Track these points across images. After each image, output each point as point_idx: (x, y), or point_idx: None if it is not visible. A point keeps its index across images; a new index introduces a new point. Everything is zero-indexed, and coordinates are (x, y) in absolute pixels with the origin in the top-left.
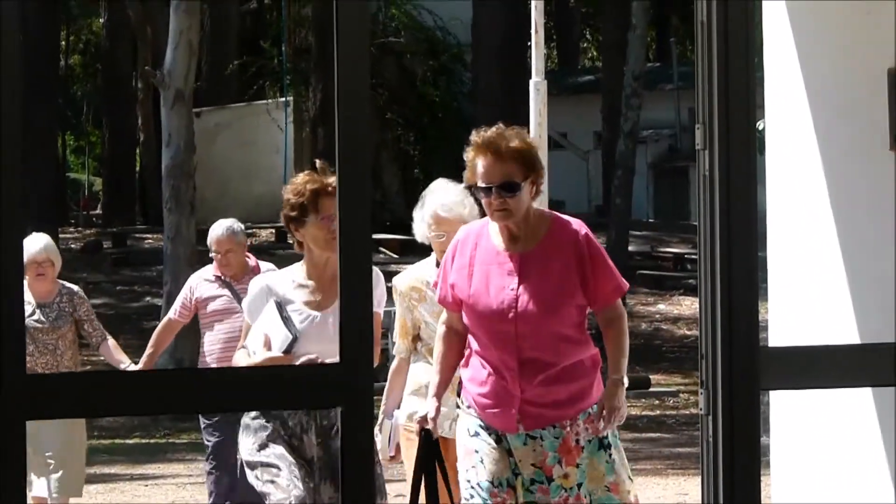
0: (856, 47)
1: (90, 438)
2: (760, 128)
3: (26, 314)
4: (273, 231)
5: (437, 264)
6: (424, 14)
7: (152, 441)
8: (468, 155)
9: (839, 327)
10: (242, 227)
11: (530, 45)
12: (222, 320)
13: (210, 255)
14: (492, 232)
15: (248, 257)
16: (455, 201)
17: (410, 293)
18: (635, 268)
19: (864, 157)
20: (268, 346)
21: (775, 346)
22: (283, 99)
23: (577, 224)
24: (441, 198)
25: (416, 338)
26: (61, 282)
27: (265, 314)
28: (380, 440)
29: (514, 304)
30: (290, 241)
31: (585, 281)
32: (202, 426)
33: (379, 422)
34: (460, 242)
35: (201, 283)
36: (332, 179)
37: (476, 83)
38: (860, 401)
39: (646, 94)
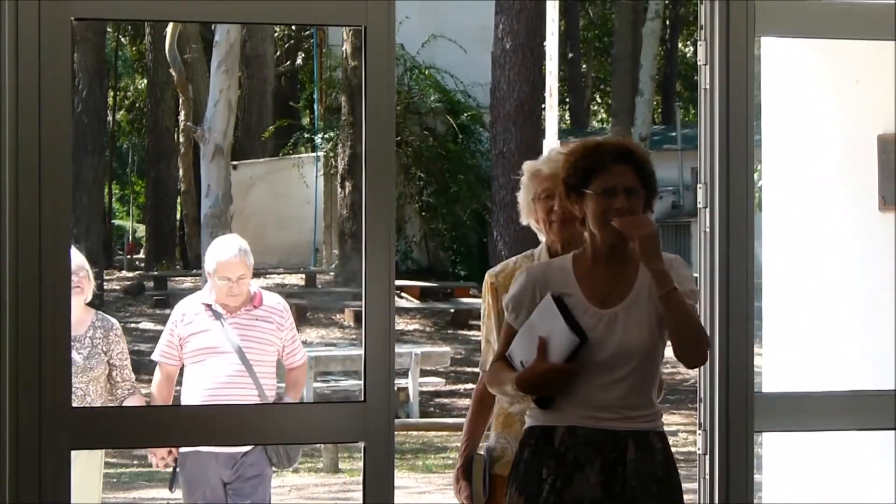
0: (848, 115)
1: (130, 467)
2: (758, 184)
3: None
4: (303, 276)
5: (550, 251)
6: (447, 78)
7: None
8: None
9: (828, 374)
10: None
11: (545, 108)
12: (203, 361)
13: (213, 280)
14: None
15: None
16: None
17: None
18: None
19: (854, 215)
20: (542, 352)
21: (769, 392)
22: (315, 154)
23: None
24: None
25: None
26: (96, 311)
27: (539, 312)
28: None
29: None
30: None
31: None
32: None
33: (460, 463)
34: None
35: (185, 318)
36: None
37: (494, 141)
38: (846, 443)
39: (651, 154)
